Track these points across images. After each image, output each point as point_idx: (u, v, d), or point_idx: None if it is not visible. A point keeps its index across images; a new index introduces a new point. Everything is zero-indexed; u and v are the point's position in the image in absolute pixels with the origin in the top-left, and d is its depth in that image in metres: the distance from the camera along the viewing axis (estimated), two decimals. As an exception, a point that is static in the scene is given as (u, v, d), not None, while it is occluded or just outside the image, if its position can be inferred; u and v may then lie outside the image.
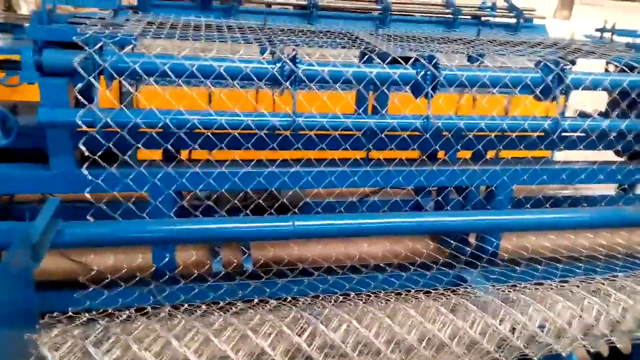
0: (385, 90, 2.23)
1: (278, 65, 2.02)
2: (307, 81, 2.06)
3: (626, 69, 2.48)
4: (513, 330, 1.72)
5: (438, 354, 1.70)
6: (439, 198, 2.57)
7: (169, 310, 1.59)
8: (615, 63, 2.66)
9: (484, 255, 2.48)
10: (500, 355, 1.71)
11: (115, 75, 1.83)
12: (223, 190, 2.16)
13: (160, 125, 1.92)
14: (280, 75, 2.02)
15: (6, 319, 1.29)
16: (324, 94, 2.44)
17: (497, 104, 2.72)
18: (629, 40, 2.98)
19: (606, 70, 2.87)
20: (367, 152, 2.60)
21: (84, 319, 1.46)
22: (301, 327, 1.56)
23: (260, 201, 2.24)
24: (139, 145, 1.95)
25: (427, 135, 2.22)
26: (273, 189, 2.21)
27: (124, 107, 1.89)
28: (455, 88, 2.22)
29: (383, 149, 2.29)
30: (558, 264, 2.45)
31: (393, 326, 1.62)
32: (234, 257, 2.57)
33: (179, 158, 2.25)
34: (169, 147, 2.02)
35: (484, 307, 1.81)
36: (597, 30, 3.12)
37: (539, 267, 2.34)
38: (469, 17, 5.24)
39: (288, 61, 2.03)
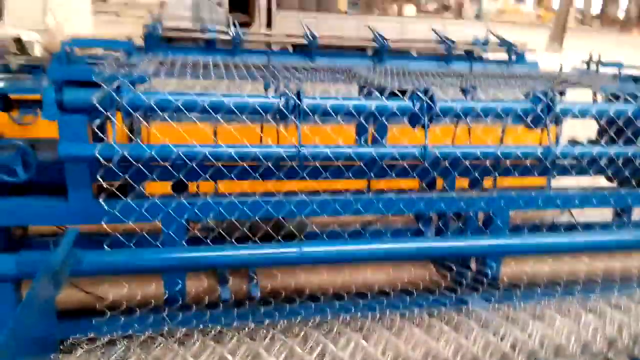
0: (385, 121, 2.35)
1: (283, 99, 2.15)
2: (310, 114, 2.18)
3: (612, 98, 2.62)
4: (514, 347, 1.79)
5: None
6: (439, 224, 2.66)
7: (184, 332, 1.66)
8: (602, 93, 2.80)
9: (484, 280, 2.55)
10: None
11: (131, 112, 1.95)
12: (233, 220, 2.26)
13: (173, 157, 2.03)
14: (285, 109, 2.15)
15: (31, 346, 1.36)
16: (326, 126, 2.57)
17: (493, 134, 2.86)
18: (615, 71, 3.13)
19: (594, 100, 3.01)
20: (368, 182, 2.71)
21: (105, 341, 1.52)
22: (311, 347, 1.64)
23: (269, 229, 2.33)
24: (154, 177, 2.05)
25: (426, 164, 2.33)
26: (280, 217, 2.30)
27: (139, 142, 2.01)
28: (452, 120, 2.35)
29: (384, 178, 2.39)
30: (557, 287, 2.52)
31: (398, 344, 1.69)
32: (242, 285, 2.64)
33: (187, 190, 2.36)
34: (182, 177, 2.12)
35: (485, 325, 1.88)
36: (584, 62, 3.28)
37: (538, 289, 2.41)
38: (462, 52, 5.44)
39: (292, 95, 2.16)
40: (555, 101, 2.42)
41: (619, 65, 3.06)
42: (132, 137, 2.60)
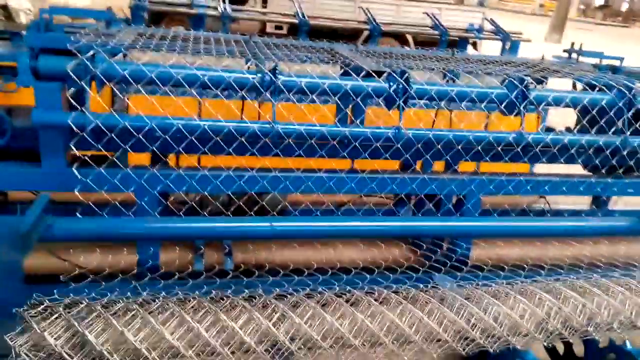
0: (360, 103, 2.38)
1: (259, 75, 2.17)
2: (285, 91, 2.21)
3: (587, 87, 2.65)
4: (469, 322, 1.85)
5: (399, 342, 1.82)
6: (412, 206, 2.71)
7: (150, 297, 1.71)
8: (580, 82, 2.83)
9: (452, 260, 2.61)
10: (457, 346, 1.83)
11: (105, 81, 1.97)
12: (206, 193, 2.29)
13: (146, 129, 2.05)
14: (260, 85, 2.17)
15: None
16: (304, 106, 2.60)
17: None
18: (596, 61, 3.16)
19: (573, 88, 3.04)
20: (352, 161, 2.74)
21: (68, 301, 1.57)
22: (270, 313, 1.69)
23: (241, 204, 2.37)
24: (127, 148, 2.08)
25: (399, 145, 2.37)
26: (253, 193, 2.34)
27: (112, 111, 2.03)
28: (433, 104, 2.37)
29: (358, 158, 2.43)
30: (522, 271, 2.58)
31: (357, 316, 1.75)
32: (217, 259, 2.68)
33: (164, 161, 2.39)
34: (155, 150, 2.15)
35: (445, 301, 1.94)
36: (565, 51, 3.30)
37: (502, 272, 2.47)
38: (457, 38, 5.44)
39: (268, 72, 2.18)
40: (530, 88, 2.46)
41: (600, 55, 3.09)
42: (109, 108, 2.62)
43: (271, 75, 2.18)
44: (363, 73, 2.36)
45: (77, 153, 2.03)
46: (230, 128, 2.15)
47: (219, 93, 2.17)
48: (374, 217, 2.53)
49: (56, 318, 1.42)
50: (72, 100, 2.00)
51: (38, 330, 1.36)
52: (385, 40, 7.71)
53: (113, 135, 2.02)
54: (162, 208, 2.32)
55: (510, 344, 1.89)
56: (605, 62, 3.15)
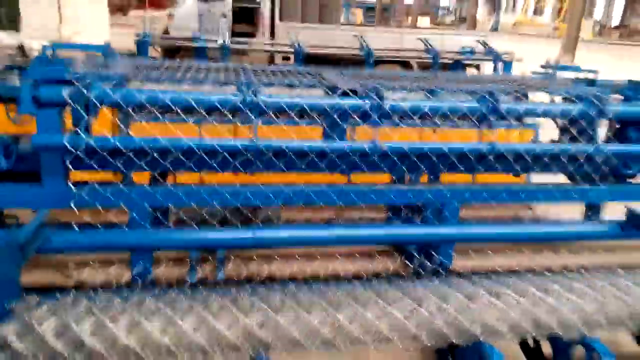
0: (338, 120, 2.53)
1: (240, 95, 2.36)
2: (267, 110, 2.38)
3: (561, 99, 2.77)
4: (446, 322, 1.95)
5: (376, 340, 1.93)
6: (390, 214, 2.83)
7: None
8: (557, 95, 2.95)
9: (431, 266, 2.71)
10: (422, 335, 1.93)
11: (98, 105, 2.18)
12: (194, 205, 2.46)
13: (136, 148, 2.24)
14: (242, 104, 2.35)
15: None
16: (290, 127, 2.76)
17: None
18: (574, 75, 3.28)
19: (552, 101, 3.16)
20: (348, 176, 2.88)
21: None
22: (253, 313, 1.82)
23: (227, 214, 2.53)
24: (119, 165, 2.27)
25: (375, 158, 2.52)
26: (238, 205, 2.50)
27: (106, 133, 2.23)
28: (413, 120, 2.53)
29: (336, 172, 2.58)
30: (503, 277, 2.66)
31: (338, 315, 1.86)
32: (209, 272, 2.82)
33: (154, 177, 2.57)
34: (144, 166, 2.33)
35: (418, 301, 2.05)
36: (542, 66, 3.43)
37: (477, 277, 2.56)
38: (450, 61, 5.62)
39: (250, 92, 2.36)
40: (500, 101, 2.59)
41: (577, 69, 3.21)
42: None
43: (252, 95, 2.36)
44: (339, 92, 2.53)
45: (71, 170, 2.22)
46: (215, 145, 2.32)
47: (207, 117, 2.35)
48: (354, 225, 2.65)
49: (45, 311, 1.58)
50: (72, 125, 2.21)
51: (26, 319, 1.51)
52: (389, 67, 7.94)
53: (105, 154, 2.22)
54: (156, 222, 2.49)
55: (473, 337, 1.98)
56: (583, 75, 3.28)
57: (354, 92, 2.54)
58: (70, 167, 2.18)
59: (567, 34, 20.51)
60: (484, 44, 5.30)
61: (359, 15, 34.88)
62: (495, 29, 40.51)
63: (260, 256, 2.78)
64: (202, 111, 2.33)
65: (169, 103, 2.27)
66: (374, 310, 1.88)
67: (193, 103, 2.29)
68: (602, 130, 3.04)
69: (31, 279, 2.29)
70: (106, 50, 2.73)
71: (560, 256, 2.96)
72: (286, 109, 2.43)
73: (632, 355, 2.57)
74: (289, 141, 2.42)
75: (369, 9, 35.91)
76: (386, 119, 2.57)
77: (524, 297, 2.20)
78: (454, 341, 2.03)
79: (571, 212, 3.62)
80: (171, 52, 7.69)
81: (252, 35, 8.96)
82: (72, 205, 2.24)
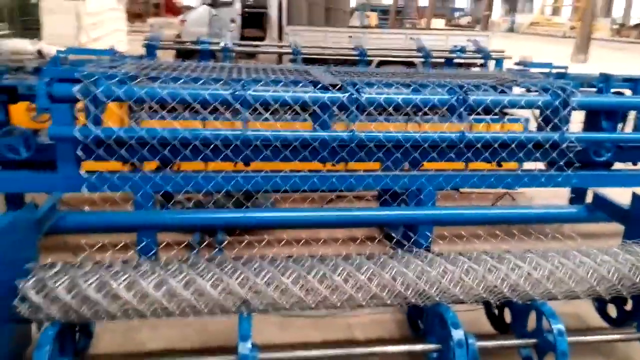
0: (319, 111, 2.79)
1: (231, 90, 2.64)
2: (253, 103, 2.66)
3: (532, 92, 3.00)
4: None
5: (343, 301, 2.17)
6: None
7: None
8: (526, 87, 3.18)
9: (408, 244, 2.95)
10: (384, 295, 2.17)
11: (104, 100, 2.48)
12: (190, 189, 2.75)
13: (136, 138, 2.54)
14: (232, 98, 2.63)
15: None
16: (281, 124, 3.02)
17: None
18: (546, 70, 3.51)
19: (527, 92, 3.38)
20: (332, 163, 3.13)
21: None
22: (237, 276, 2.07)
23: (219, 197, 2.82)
24: (123, 154, 2.57)
25: (353, 145, 2.78)
26: (229, 188, 2.78)
27: (110, 125, 2.54)
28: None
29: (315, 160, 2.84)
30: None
31: (334, 276, 2.11)
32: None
33: (159, 166, 2.87)
34: (144, 154, 2.63)
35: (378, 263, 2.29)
36: (516, 63, 3.66)
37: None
38: (442, 59, 5.82)
39: (239, 87, 2.65)
40: (469, 93, 2.83)
41: (549, 65, 3.43)
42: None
43: (241, 89, 2.64)
44: (319, 86, 2.79)
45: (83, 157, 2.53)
46: (208, 135, 2.61)
47: (207, 115, 2.64)
48: (338, 208, 2.92)
49: (57, 270, 1.88)
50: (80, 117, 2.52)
51: (41, 276, 1.82)
52: (394, 66, 8.19)
53: (111, 142, 2.52)
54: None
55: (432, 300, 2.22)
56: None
57: (334, 86, 2.81)
58: (82, 155, 2.48)
59: (581, 33, 20.46)
60: (475, 42, 5.52)
61: (373, 18, 35.10)
62: (511, 29, 40.49)
63: (257, 241, 3.07)
64: (196, 105, 2.62)
65: (167, 97, 2.56)
66: (342, 274, 2.12)
67: (188, 97, 2.58)
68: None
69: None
70: (112, 54, 3.05)
71: (532, 241, 3.18)
72: (270, 102, 2.71)
73: (595, 328, 2.77)
74: (276, 132, 2.70)
75: (383, 12, 36.04)
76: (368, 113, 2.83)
77: (479, 265, 2.40)
78: (412, 301, 2.24)
79: (558, 199, 3.84)
80: (184, 55, 8.05)
81: (261, 39, 9.29)
82: (84, 189, 2.54)
